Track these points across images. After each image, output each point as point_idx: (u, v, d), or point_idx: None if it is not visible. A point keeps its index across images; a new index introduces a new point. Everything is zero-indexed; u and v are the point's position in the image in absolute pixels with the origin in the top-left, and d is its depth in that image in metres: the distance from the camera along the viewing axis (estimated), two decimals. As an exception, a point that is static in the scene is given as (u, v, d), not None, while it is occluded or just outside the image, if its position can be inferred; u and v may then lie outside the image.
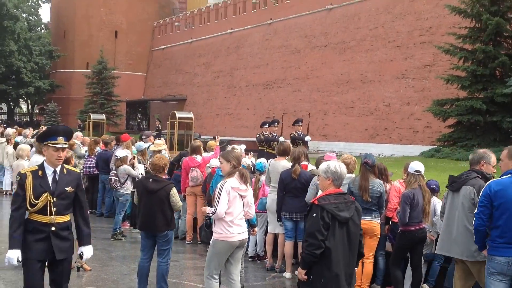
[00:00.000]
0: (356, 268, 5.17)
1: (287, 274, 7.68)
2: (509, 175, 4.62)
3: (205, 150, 10.11)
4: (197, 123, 32.05)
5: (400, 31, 33.66)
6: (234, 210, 5.61)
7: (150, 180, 6.47)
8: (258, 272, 7.90)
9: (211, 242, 5.77)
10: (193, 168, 9.28)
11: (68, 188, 4.72)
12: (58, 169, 4.74)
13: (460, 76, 24.96)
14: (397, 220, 6.78)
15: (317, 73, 39.42)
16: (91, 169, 11.83)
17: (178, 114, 31.09)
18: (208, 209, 5.70)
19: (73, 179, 4.83)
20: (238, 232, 5.66)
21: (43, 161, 4.79)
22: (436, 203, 6.97)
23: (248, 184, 5.79)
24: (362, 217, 6.50)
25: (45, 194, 4.62)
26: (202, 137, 35.08)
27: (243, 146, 10.54)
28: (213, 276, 5.67)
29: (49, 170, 4.71)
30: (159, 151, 10.35)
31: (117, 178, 9.43)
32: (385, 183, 7.17)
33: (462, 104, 24.03)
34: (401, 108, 32.78)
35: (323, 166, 4.81)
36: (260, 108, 44.68)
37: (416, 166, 6.54)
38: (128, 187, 9.60)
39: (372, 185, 6.72)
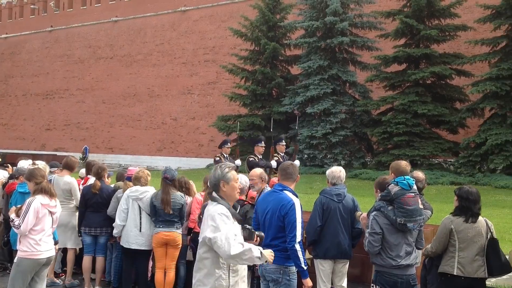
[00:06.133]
0: None
1: (87, 290, 7.55)
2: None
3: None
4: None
5: (186, 48, 34.91)
6: (44, 227, 5.44)
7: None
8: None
9: (15, 260, 5.49)
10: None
11: None
12: None
13: (242, 94, 26.94)
14: (199, 230, 7.19)
15: (102, 84, 38.65)
16: None
17: None
18: (14, 216, 5.43)
19: None
20: (45, 249, 5.49)
21: None
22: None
23: (56, 199, 5.66)
24: (164, 229, 6.90)
25: None
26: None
27: (29, 161, 9.95)
28: (17, 296, 5.40)
29: None
30: None
31: None
32: (187, 195, 7.54)
33: (244, 120, 25.95)
34: (187, 122, 33.92)
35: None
36: (39, 119, 42.05)
37: None
38: None
39: (174, 198, 7.03)
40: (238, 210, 5.61)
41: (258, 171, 6.29)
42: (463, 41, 22.95)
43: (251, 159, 10.15)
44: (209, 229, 3.81)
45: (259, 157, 10.23)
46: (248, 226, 4.10)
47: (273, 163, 10.07)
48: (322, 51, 24.29)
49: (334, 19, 23.34)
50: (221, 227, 3.77)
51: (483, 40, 21.50)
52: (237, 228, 3.94)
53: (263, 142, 10.39)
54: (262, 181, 6.14)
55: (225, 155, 11.30)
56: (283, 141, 10.53)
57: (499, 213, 12.62)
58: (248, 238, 4.03)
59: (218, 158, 10.48)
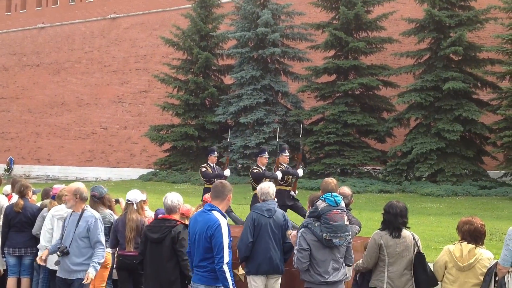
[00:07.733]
0: None
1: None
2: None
3: None
4: None
5: (116, 56, 34.23)
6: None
7: None
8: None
9: None
10: None
11: None
12: None
13: (174, 104, 26.70)
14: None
15: (28, 93, 37.26)
16: None
17: None
18: None
19: None
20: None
21: None
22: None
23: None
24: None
25: None
26: None
27: None
28: None
29: None
30: None
31: None
32: (115, 213, 7.34)
33: (177, 130, 25.73)
34: (119, 132, 33.23)
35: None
36: (-41, 130, 39.97)
37: (128, 195, 6.73)
38: None
39: (103, 216, 6.81)
40: (169, 232, 5.55)
41: (73, 186, 5.93)
42: (389, 53, 23.77)
43: (255, 170, 9.69)
44: None
45: (263, 168, 9.82)
46: None
47: (278, 174, 9.70)
48: (255, 61, 24.48)
49: (265, 30, 23.60)
50: None
51: (408, 52, 22.35)
52: None
53: (266, 152, 9.98)
54: (76, 198, 5.82)
55: (211, 165, 10.96)
56: (286, 151, 10.19)
57: (425, 220, 13.09)
58: None
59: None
